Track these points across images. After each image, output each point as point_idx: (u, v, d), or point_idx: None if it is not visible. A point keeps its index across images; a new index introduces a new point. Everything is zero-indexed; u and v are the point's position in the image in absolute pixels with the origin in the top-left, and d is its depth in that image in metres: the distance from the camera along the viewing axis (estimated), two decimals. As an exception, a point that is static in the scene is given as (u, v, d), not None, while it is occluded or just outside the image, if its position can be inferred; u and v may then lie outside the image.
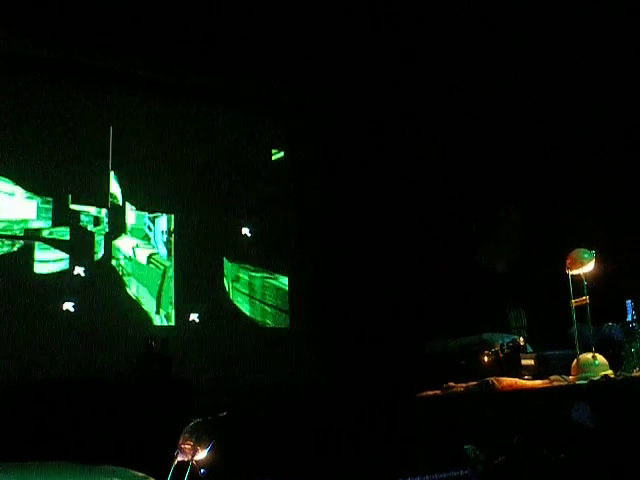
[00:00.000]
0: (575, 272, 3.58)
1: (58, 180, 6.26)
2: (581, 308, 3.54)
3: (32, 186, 6.21)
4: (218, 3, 5.93)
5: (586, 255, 3.58)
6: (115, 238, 6.44)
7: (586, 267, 3.57)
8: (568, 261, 3.61)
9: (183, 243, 6.62)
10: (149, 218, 6.57)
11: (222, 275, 6.76)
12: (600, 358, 3.44)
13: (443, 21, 5.84)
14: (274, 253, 6.88)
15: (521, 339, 3.91)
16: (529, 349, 3.99)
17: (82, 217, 6.32)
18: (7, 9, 5.61)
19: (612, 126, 5.02)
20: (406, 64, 6.27)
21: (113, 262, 6.38)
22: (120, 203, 6.46)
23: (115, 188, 6.47)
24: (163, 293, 6.50)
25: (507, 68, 5.66)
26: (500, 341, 4.08)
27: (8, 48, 5.99)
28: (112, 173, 6.48)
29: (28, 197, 6.16)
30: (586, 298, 3.50)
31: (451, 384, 3.92)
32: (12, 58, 6.06)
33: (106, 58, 6.28)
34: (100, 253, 6.34)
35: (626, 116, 4.94)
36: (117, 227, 6.42)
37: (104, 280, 6.29)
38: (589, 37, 5.06)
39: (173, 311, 6.49)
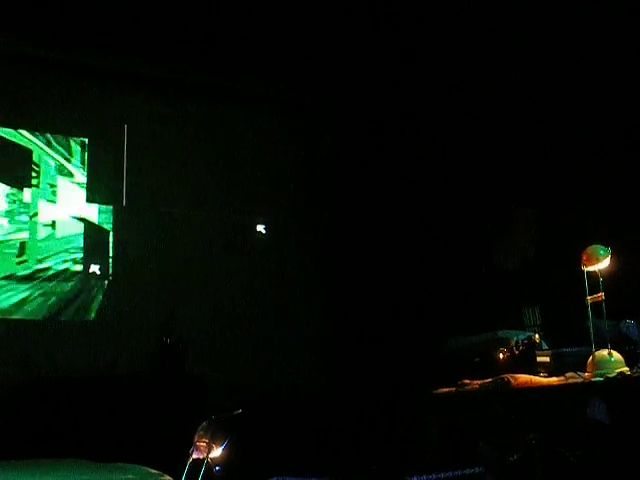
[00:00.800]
0: (591, 269, 3.56)
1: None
2: (596, 305, 3.52)
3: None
4: (225, 3, 5.94)
5: (602, 252, 3.57)
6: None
7: (602, 264, 3.55)
8: (584, 258, 3.60)
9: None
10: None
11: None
12: (616, 355, 3.43)
13: (448, 20, 5.82)
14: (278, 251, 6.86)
15: (536, 336, 3.90)
16: (544, 346, 3.99)
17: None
18: (9, 9, 5.62)
19: (628, 122, 5.00)
20: (412, 62, 6.26)
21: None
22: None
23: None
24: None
25: (513, 69, 5.64)
26: (515, 338, 4.06)
27: (10, 47, 6.00)
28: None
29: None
30: (601, 295, 3.49)
31: (466, 381, 3.91)
32: (15, 58, 6.07)
33: (112, 58, 6.28)
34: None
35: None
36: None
37: (119, 276, 6.30)
38: (589, 37, 5.04)
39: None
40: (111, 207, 6.41)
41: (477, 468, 3.63)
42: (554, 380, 3.57)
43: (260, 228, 6.89)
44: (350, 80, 6.65)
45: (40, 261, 6.10)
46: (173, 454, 3.50)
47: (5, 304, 5.91)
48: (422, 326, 5.89)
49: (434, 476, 3.48)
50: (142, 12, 5.84)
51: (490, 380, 3.72)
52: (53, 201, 6.24)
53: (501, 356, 3.91)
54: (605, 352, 3.44)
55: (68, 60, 6.23)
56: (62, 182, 6.29)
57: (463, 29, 5.82)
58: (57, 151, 6.30)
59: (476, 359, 4.24)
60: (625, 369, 3.39)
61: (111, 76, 6.39)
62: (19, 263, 6.04)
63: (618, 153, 4.98)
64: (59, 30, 5.88)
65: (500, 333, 4.28)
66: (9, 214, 6.06)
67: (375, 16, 6.00)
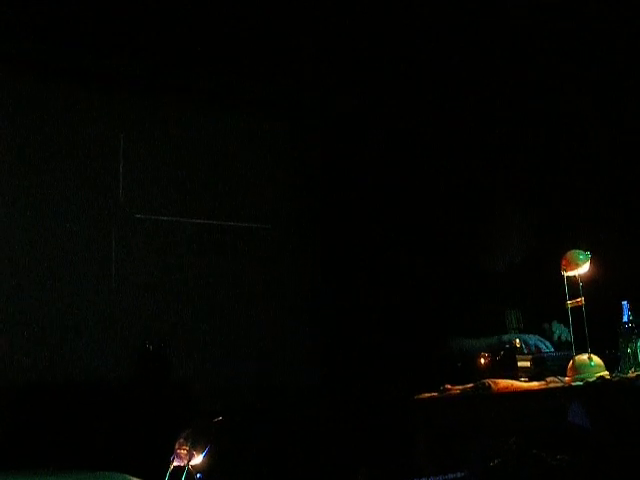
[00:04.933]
0: (570, 273, 3.59)
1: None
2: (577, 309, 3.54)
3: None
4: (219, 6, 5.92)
5: (581, 256, 3.60)
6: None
7: (581, 268, 3.58)
8: (563, 262, 3.62)
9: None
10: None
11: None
12: (596, 359, 3.46)
13: (441, 23, 5.84)
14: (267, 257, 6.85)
15: (517, 340, 3.92)
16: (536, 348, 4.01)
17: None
18: (11, 11, 5.56)
19: (609, 126, 5.04)
20: (404, 66, 6.27)
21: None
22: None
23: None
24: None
25: (506, 68, 5.67)
26: (517, 340, 4.05)
27: (10, 50, 5.94)
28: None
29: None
30: (582, 299, 3.51)
31: (448, 386, 3.92)
32: (15, 61, 6.02)
33: (108, 61, 6.24)
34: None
35: (622, 117, 4.95)
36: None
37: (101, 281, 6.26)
38: (587, 38, 5.07)
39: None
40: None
41: (459, 473, 3.65)
42: (535, 384, 3.59)
43: (250, 233, 6.87)
44: (351, 82, 6.64)
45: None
46: (155, 461, 3.48)
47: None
48: (414, 329, 5.90)
49: (416, 481, 3.50)
50: (134, 15, 5.82)
51: (471, 385, 3.74)
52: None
53: (482, 361, 3.93)
54: (585, 356, 3.46)
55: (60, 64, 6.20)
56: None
57: (455, 34, 5.84)
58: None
59: (458, 364, 4.25)
60: (605, 373, 3.41)
61: (111, 80, 6.34)
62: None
63: (600, 158, 5.01)
64: (48, 32, 5.84)
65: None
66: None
67: (368, 19, 6.00)
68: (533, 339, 4.09)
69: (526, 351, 3.95)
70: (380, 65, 6.38)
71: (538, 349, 4.00)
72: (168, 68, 6.43)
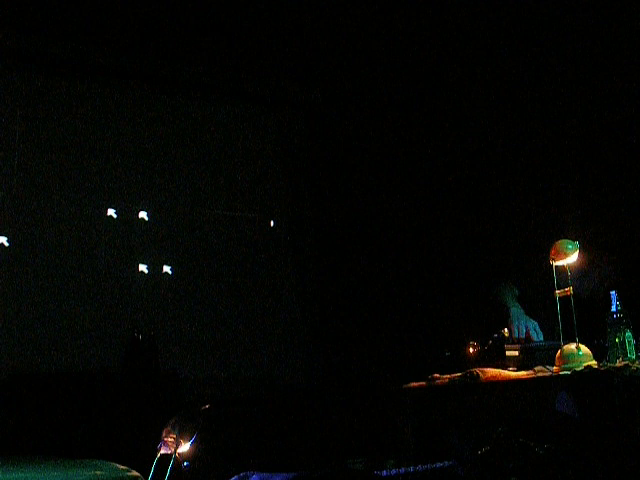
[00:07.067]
0: (559, 263, 3.59)
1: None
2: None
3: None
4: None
5: (570, 246, 3.60)
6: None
7: (570, 258, 3.58)
8: (552, 252, 3.62)
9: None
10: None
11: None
12: (584, 349, 3.47)
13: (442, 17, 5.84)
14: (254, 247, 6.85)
15: (506, 330, 3.92)
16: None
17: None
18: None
19: (599, 120, 5.05)
20: (395, 59, 6.27)
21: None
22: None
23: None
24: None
25: (497, 61, 5.67)
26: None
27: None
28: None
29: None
30: (570, 289, 3.51)
31: (436, 375, 3.92)
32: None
33: (105, 57, 6.23)
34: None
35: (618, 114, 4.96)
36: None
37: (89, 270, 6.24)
38: (587, 38, 5.08)
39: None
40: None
41: (447, 462, 3.64)
42: (523, 374, 3.60)
43: (244, 224, 6.86)
44: (341, 74, 6.63)
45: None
46: (143, 450, 3.48)
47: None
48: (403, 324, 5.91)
49: (404, 470, 3.49)
50: (132, 13, 5.80)
51: (459, 374, 3.74)
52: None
53: (471, 350, 3.93)
54: (573, 346, 3.47)
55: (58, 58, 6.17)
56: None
57: (445, 27, 5.84)
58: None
59: (447, 353, 4.25)
60: (593, 363, 3.43)
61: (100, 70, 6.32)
62: None
63: (590, 150, 5.02)
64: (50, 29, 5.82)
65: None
66: None
67: (367, 19, 6.00)
68: (530, 324, 4.03)
69: (516, 333, 3.94)
70: (379, 65, 6.39)
71: (528, 336, 3.97)
72: (166, 64, 6.44)
